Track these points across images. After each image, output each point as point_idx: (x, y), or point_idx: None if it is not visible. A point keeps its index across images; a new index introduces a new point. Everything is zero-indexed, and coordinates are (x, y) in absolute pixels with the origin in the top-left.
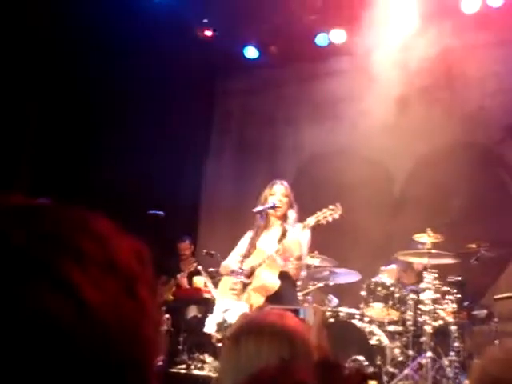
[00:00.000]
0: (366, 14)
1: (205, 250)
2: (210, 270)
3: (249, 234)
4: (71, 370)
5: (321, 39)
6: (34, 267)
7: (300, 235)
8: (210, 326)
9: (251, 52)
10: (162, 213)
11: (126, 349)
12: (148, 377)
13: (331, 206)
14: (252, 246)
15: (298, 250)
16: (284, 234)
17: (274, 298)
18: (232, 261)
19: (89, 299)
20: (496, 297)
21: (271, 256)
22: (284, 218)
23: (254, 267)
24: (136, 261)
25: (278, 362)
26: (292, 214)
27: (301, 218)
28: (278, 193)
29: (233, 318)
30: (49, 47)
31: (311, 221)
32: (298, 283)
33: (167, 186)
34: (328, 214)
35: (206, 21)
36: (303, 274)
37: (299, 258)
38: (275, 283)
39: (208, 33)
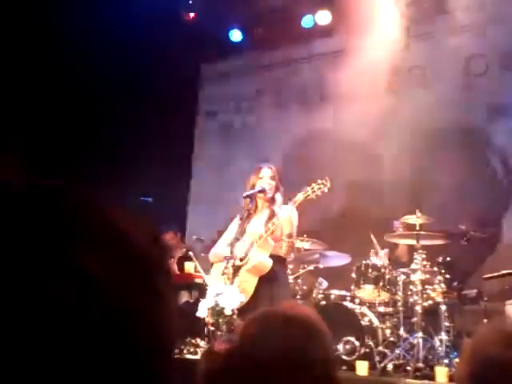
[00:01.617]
0: None
1: (194, 236)
2: (203, 255)
3: (237, 219)
4: (84, 359)
5: (306, 21)
6: (46, 252)
7: (291, 213)
8: (202, 311)
9: (236, 35)
10: (150, 199)
11: (144, 335)
12: (165, 366)
13: (319, 181)
14: (242, 230)
15: (289, 227)
16: (271, 217)
17: (267, 279)
18: (221, 247)
19: (103, 287)
20: (485, 276)
21: (261, 235)
22: (272, 201)
23: (246, 251)
24: (152, 247)
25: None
26: (279, 197)
27: (287, 201)
28: (266, 176)
29: (225, 302)
30: (37, 34)
31: (300, 197)
32: (290, 266)
33: (155, 174)
34: (317, 189)
35: (190, 2)
36: (291, 255)
37: (290, 236)
38: (267, 263)
39: (190, 14)
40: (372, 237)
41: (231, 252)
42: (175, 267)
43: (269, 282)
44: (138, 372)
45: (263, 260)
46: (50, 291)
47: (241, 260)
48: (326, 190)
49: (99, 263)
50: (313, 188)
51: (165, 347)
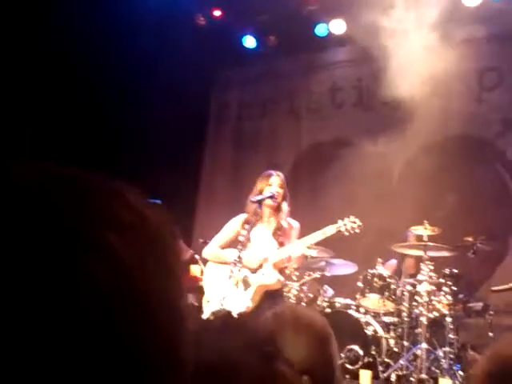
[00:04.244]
0: (365, 4)
1: (201, 239)
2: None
3: (238, 221)
4: (112, 342)
5: (320, 29)
6: (79, 236)
7: (297, 235)
8: (207, 314)
9: (250, 42)
10: (158, 201)
11: (165, 320)
12: (182, 352)
13: (352, 219)
14: (247, 237)
15: (298, 264)
16: (278, 228)
17: (271, 293)
18: (216, 246)
19: (132, 269)
20: (494, 288)
21: (282, 260)
22: (278, 209)
23: (261, 262)
24: (168, 231)
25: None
26: (285, 207)
27: (295, 210)
28: (274, 183)
29: (231, 306)
30: (46, 37)
31: (332, 229)
32: (296, 273)
33: (165, 176)
34: (350, 227)
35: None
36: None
37: (303, 257)
38: (281, 281)
39: (217, 13)
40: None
41: (239, 257)
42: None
43: (273, 297)
44: (158, 346)
45: (279, 278)
46: (77, 262)
47: (253, 272)
48: (358, 231)
49: (127, 246)
50: (346, 225)
51: (180, 323)
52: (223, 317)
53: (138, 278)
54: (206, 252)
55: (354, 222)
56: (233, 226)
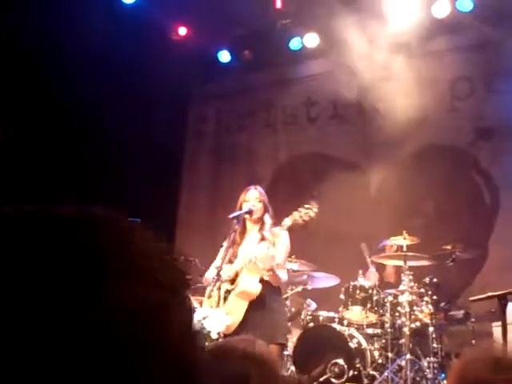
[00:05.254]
0: (338, 19)
1: (183, 257)
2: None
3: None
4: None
5: (294, 43)
6: (86, 283)
7: (287, 242)
8: None
9: (225, 56)
10: (137, 220)
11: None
12: None
13: (307, 205)
14: (233, 253)
15: (268, 264)
16: (262, 240)
17: (257, 305)
18: (212, 270)
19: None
20: (471, 298)
21: (250, 260)
22: (261, 223)
23: (237, 272)
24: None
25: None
26: (268, 219)
27: (279, 222)
28: (252, 198)
29: (210, 326)
30: (19, 56)
31: (288, 221)
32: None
33: (143, 193)
34: (304, 213)
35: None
36: (284, 278)
37: (271, 270)
38: (256, 288)
39: (182, 31)
40: (363, 247)
41: (218, 274)
42: None
43: (259, 308)
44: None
45: (252, 285)
46: (90, 317)
47: (231, 283)
48: (312, 214)
49: (135, 295)
50: (300, 213)
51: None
52: None
53: (151, 330)
54: (206, 277)
55: (309, 208)
56: (223, 250)
